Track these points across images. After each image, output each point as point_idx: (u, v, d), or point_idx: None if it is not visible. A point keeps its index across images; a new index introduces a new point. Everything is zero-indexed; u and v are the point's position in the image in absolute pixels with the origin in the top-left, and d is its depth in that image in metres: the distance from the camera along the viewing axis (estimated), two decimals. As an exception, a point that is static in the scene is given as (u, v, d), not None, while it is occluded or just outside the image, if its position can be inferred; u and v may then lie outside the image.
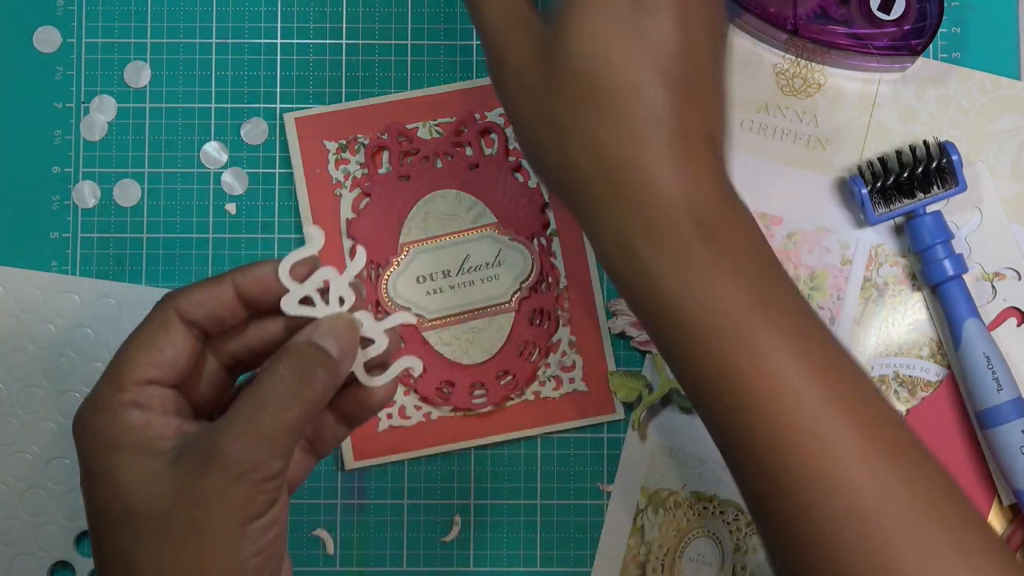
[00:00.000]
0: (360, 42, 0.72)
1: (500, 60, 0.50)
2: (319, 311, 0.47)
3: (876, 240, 0.70)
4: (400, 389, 0.69)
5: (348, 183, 0.70)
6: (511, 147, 0.70)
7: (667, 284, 0.46)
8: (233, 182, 0.71)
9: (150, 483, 0.44)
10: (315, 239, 0.47)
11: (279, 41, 0.72)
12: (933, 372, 0.70)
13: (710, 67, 0.48)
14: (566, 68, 0.47)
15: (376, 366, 0.48)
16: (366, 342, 0.48)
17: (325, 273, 0.47)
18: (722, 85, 0.49)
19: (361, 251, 0.48)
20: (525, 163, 0.70)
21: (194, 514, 0.43)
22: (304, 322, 0.47)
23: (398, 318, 0.49)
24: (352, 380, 0.48)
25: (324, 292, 0.48)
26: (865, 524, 0.45)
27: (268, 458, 0.44)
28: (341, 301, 0.47)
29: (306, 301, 0.47)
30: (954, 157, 0.68)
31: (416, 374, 0.53)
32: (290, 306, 0.47)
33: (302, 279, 0.47)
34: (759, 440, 0.46)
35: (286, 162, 0.71)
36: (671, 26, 0.46)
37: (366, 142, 0.70)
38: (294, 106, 0.71)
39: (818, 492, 0.45)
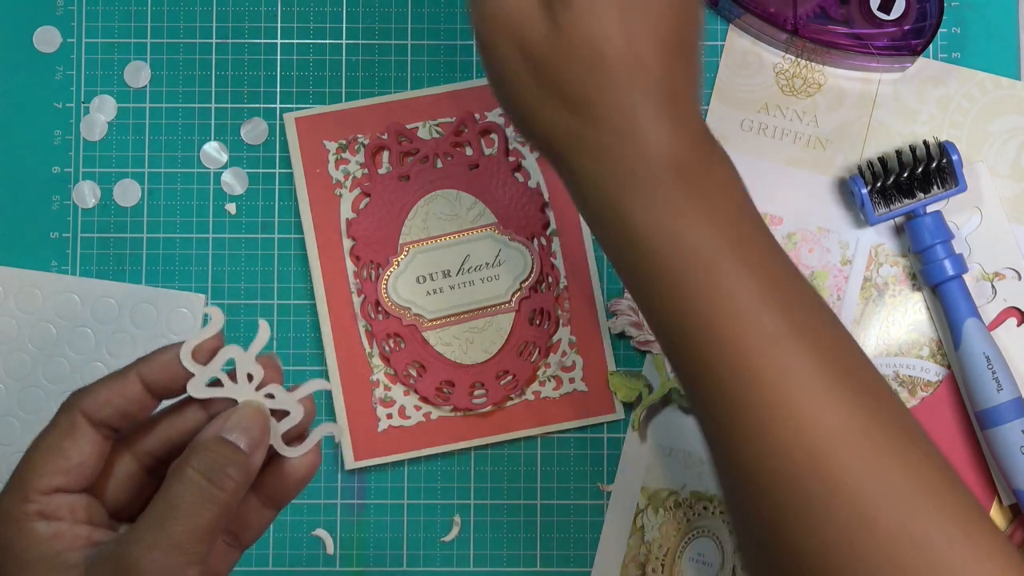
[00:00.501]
0: (360, 42, 0.72)
1: (493, 13, 0.48)
2: (228, 391, 0.46)
3: (876, 240, 0.70)
4: (400, 389, 0.69)
5: (348, 183, 0.70)
6: (511, 147, 0.70)
7: (641, 223, 0.46)
8: (233, 182, 0.71)
9: None
10: (216, 319, 0.46)
11: (279, 41, 0.72)
12: (933, 372, 0.70)
13: (695, 29, 0.49)
14: (568, 32, 0.46)
15: (294, 437, 0.47)
16: (280, 414, 0.47)
17: (229, 351, 0.46)
18: (700, 43, 0.50)
19: (263, 325, 0.47)
20: (524, 163, 0.70)
21: None
22: (221, 406, 0.46)
23: (311, 386, 0.47)
24: (271, 458, 0.47)
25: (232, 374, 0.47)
26: (827, 461, 0.44)
27: (183, 567, 0.42)
28: (250, 378, 0.46)
29: (216, 383, 0.46)
30: (954, 157, 0.68)
31: (337, 440, 0.54)
32: (197, 390, 0.46)
33: (206, 361, 0.46)
34: (723, 375, 0.45)
35: (286, 162, 0.71)
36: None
37: (366, 142, 0.70)
38: (294, 106, 0.71)
39: (780, 429, 0.45)
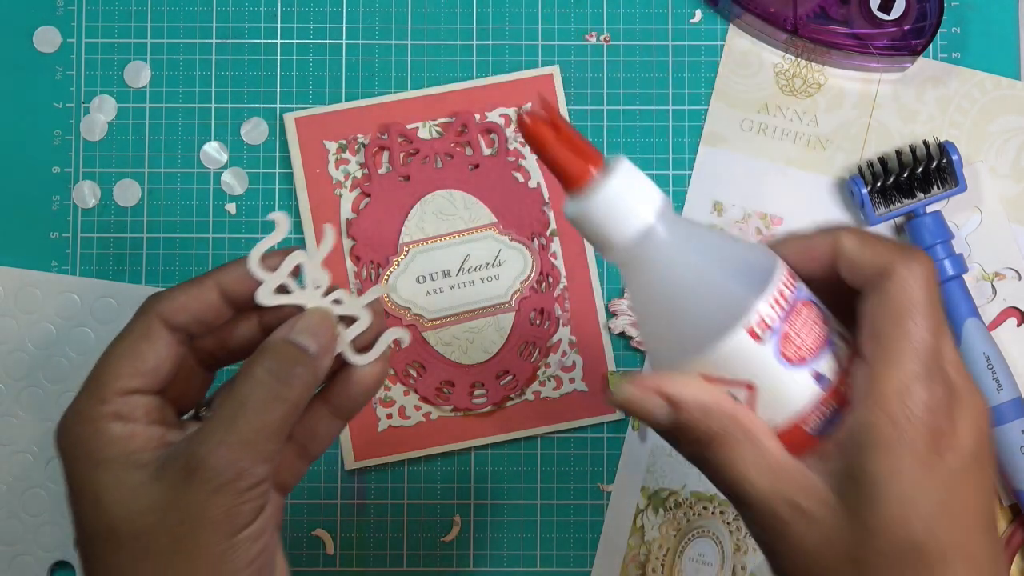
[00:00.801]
0: (360, 42, 0.72)
1: (777, 541, 0.43)
2: (295, 297, 0.46)
3: (876, 240, 0.70)
4: (400, 389, 0.69)
5: (348, 183, 0.70)
6: (511, 147, 0.70)
7: None
8: (233, 182, 0.71)
9: (132, 499, 0.43)
10: (281, 225, 0.46)
11: (279, 41, 0.72)
12: (933, 372, 0.70)
13: (994, 498, 0.45)
14: (880, 539, 0.41)
15: (362, 347, 0.47)
16: (349, 321, 0.47)
17: (297, 257, 0.46)
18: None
19: (329, 229, 0.47)
20: (524, 163, 0.70)
21: (179, 530, 0.42)
22: (285, 315, 0.46)
23: (376, 291, 0.47)
24: (339, 369, 0.47)
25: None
26: None
27: (250, 465, 0.43)
28: (316, 284, 0.46)
29: (282, 290, 0.46)
30: (954, 157, 0.68)
31: (404, 344, 0.52)
32: (265, 297, 0.46)
33: (275, 268, 0.46)
34: None
35: (286, 162, 0.71)
36: (977, 471, 0.43)
37: (366, 142, 0.70)
38: (294, 106, 0.71)
39: None
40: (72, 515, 0.45)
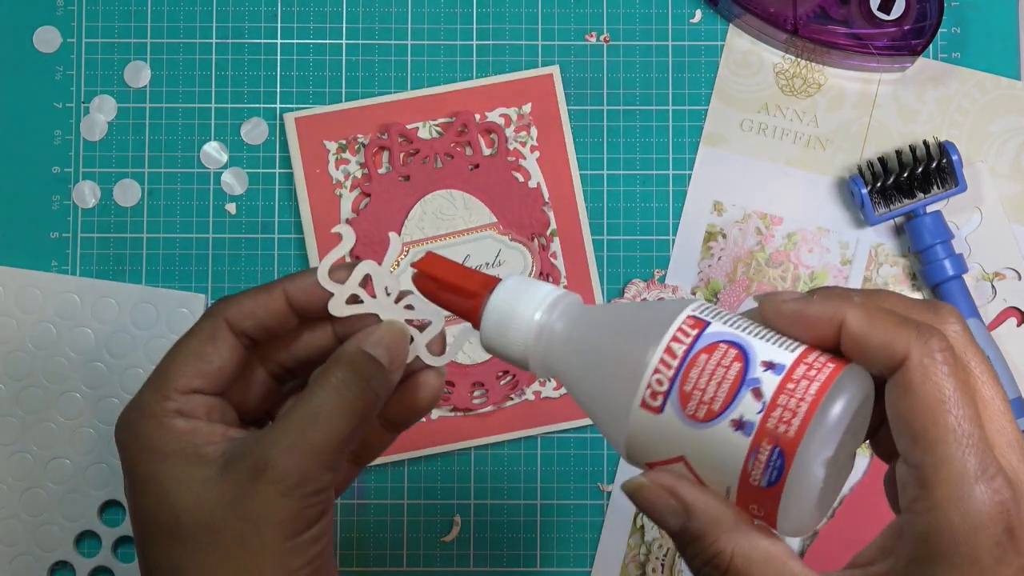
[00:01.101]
0: (360, 42, 0.72)
1: None
2: (368, 307, 0.46)
3: (876, 240, 0.70)
4: (400, 389, 0.69)
5: (348, 183, 0.70)
6: (511, 147, 0.70)
7: None
8: (233, 182, 0.71)
9: (198, 493, 0.44)
10: (347, 237, 0.47)
11: (279, 41, 0.72)
12: (933, 372, 0.69)
13: None
14: None
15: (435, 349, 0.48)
16: (424, 325, 0.47)
17: (365, 268, 0.46)
18: None
19: (395, 237, 0.48)
20: (524, 163, 0.70)
21: (243, 527, 0.43)
22: (352, 328, 0.47)
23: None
24: (401, 382, 0.48)
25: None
26: None
27: (318, 472, 0.43)
28: (387, 292, 0.46)
29: (353, 299, 0.46)
30: (954, 157, 0.68)
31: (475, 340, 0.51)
32: (338, 308, 0.46)
33: (344, 279, 0.46)
34: None
35: (286, 162, 0.71)
36: None
37: (366, 142, 0.70)
38: (294, 106, 0.71)
39: None
40: (132, 508, 0.46)
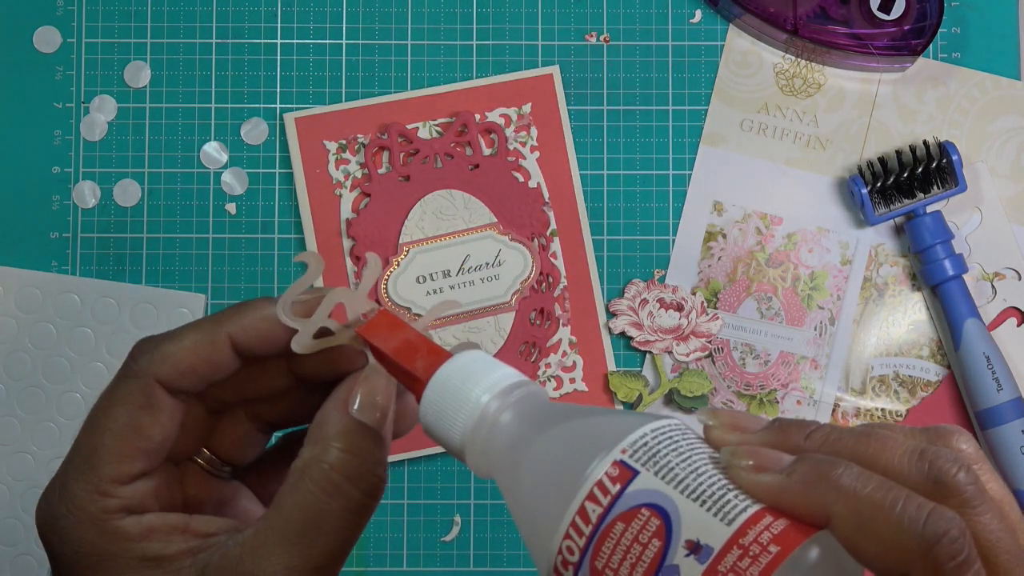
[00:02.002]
0: (360, 42, 0.72)
1: None
2: (340, 338, 0.39)
3: (876, 240, 0.70)
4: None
5: (348, 183, 0.70)
6: (511, 147, 0.70)
7: None
8: (233, 182, 0.71)
9: None
10: (313, 267, 0.39)
11: (279, 41, 0.72)
12: (933, 372, 0.70)
13: None
14: None
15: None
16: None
17: (337, 297, 0.39)
18: None
19: (374, 259, 0.41)
20: (524, 163, 0.70)
21: None
22: (314, 365, 0.39)
23: (441, 309, 0.41)
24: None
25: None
26: None
27: None
28: (363, 319, 0.39)
29: (321, 332, 0.39)
30: (954, 157, 0.68)
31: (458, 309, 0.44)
32: (303, 346, 0.39)
33: (309, 312, 0.39)
34: None
35: (286, 162, 0.71)
36: None
37: (366, 142, 0.70)
38: (294, 106, 0.71)
39: None
40: None
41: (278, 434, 0.45)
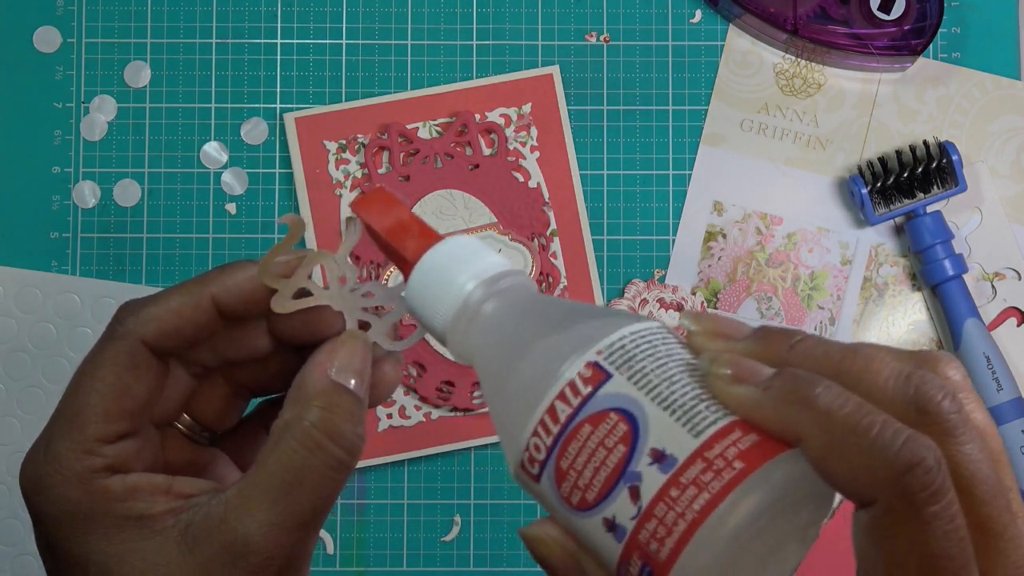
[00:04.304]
0: (360, 42, 0.72)
1: None
2: (319, 299, 0.39)
3: (876, 240, 0.70)
4: (400, 389, 0.69)
5: (348, 183, 0.70)
6: (511, 147, 0.70)
7: None
8: (233, 182, 0.71)
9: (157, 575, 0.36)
10: (294, 228, 0.40)
11: (279, 41, 0.72)
12: (933, 372, 0.70)
13: None
14: None
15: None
16: (382, 311, 0.41)
17: (316, 259, 0.40)
18: None
19: (354, 222, 0.41)
20: (524, 163, 0.70)
21: None
22: (295, 324, 0.40)
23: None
24: None
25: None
26: None
27: (305, 544, 0.37)
28: (343, 282, 0.40)
29: (301, 292, 0.40)
30: (954, 157, 0.68)
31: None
32: (283, 305, 0.39)
33: (289, 272, 0.40)
34: None
35: (286, 162, 0.71)
36: None
37: (366, 142, 0.70)
38: (294, 106, 0.71)
39: None
40: None
41: (255, 402, 0.45)
